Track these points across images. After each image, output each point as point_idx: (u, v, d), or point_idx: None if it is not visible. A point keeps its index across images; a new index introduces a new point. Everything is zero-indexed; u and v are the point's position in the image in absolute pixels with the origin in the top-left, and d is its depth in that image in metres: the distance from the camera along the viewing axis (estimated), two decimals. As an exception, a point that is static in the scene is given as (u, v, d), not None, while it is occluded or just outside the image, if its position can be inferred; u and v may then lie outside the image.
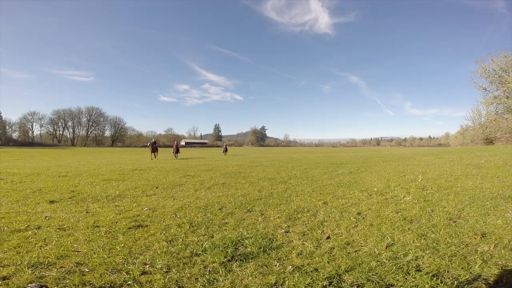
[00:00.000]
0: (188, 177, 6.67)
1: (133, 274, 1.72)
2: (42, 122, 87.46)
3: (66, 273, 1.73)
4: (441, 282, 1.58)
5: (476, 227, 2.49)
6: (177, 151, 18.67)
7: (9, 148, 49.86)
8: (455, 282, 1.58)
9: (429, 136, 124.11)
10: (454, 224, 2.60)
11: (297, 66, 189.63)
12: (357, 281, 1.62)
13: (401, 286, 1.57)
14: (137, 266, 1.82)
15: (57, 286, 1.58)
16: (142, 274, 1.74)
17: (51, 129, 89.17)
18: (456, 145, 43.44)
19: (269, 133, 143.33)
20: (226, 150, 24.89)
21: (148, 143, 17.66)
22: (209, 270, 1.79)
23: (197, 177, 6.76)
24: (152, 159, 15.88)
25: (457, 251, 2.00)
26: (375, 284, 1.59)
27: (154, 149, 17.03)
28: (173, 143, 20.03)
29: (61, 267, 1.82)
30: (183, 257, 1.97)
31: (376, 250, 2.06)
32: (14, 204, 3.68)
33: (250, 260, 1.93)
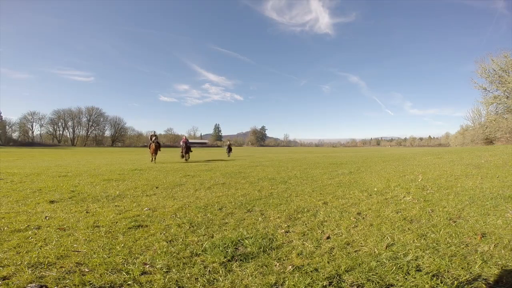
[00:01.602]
0: (188, 177, 6.67)
1: (133, 274, 1.72)
2: (42, 122, 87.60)
3: (66, 273, 1.73)
4: (441, 282, 1.58)
5: (476, 227, 2.49)
6: (187, 150, 14.03)
7: (9, 148, 49.88)
8: (455, 282, 1.58)
9: (429, 136, 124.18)
10: (454, 224, 2.60)
11: (297, 66, 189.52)
12: (357, 281, 1.62)
13: (401, 286, 1.57)
14: (137, 266, 1.82)
15: (57, 286, 1.58)
16: (142, 274, 1.74)
17: (51, 129, 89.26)
18: (456, 145, 43.45)
19: (269, 133, 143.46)
20: (230, 150, 20.62)
21: (150, 136, 12.83)
22: (209, 270, 1.79)
23: (197, 177, 6.76)
24: (152, 161, 12.41)
25: (457, 251, 2.00)
26: (375, 284, 1.59)
27: (156, 148, 12.60)
28: (181, 139, 14.61)
29: (61, 267, 1.82)
30: (183, 257, 1.97)
31: (376, 250, 2.06)
32: (14, 204, 3.68)
33: (250, 260, 1.93)
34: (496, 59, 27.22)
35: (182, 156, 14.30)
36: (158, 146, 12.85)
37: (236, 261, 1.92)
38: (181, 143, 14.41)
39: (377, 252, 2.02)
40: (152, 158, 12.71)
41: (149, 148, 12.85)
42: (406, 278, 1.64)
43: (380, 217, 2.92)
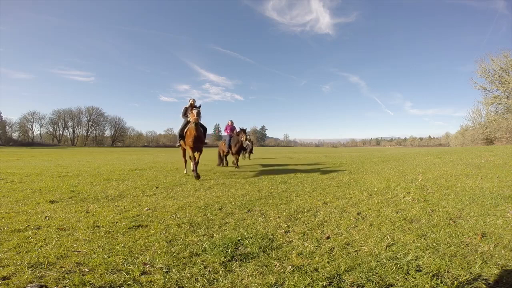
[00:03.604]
0: (188, 177, 6.66)
1: (133, 274, 1.72)
2: (42, 122, 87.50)
3: (66, 273, 1.73)
4: (441, 282, 1.58)
5: (476, 227, 2.49)
6: (239, 150, 8.26)
7: (9, 148, 49.86)
8: (455, 282, 1.58)
9: (429, 136, 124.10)
10: (454, 224, 2.60)
11: (297, 66, 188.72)
12: (357, 281, 1.62)
13: (401, 286, 1.57)
14: (137, 266, 1.82)
15: (57, 286, 1.58)
16: (142, 274, 1.74)
17: (51, 129, 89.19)
18: (456, 145, 43.45)
19: (269, 133, 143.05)
20: (251, 151, 14.30)
21: (185, 109, 6.64)
22: (209, 270, 1.79)
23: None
24: (193, 171, 6.18)
25: (457, 251, 2.00)
26: (375, 284, 1.59)
27: (199, 138, 6.15)
28: (226, 129, 8.87)
29: (61, 267, 1.82)
30: (183, 257, 1.97)
31: (376, 250, 2.06)
32: (14, 204, 3.68)
33: (250, 260, 1.93)
34: (496, 59, 27.26)
35: (222, 161, 8.40)
36: (201, 137, 6.22)
37: (236, 261, 1.92)
38: (228, 136, 8.17)
39: (377, 252, 2.02)
40: (186, 166, 7.11)
41: (184, 139, 6.34)
42: (406, 278, 1.64)
43: (380, 217, 2.92)
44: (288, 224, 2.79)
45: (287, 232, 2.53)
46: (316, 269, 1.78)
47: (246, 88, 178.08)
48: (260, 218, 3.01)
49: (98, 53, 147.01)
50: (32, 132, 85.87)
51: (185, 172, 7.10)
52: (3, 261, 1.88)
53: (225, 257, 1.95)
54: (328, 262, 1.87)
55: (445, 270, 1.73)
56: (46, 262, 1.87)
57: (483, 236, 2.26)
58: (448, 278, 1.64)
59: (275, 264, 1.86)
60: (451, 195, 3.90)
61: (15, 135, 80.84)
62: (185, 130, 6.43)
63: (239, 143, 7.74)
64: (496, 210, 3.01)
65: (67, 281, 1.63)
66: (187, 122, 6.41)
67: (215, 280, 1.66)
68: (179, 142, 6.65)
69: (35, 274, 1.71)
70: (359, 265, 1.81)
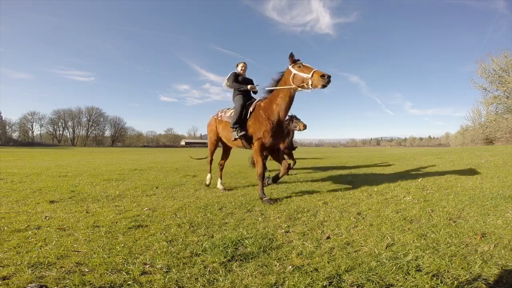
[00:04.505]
0: (188, 177, 6.66)
1: (133, 274, 1.72)
2: (42, 122, 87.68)
3: (66, 273, 1.73)
4: (441, 282, 1.58)
5: (476, 227, 2.49)
6: (290, 150, 6.39)
7: (9, 148, 49.84)
8: (455, 282, 1.58)
9: (429, 136, 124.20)
10: (454, 224, 2.60)
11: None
12: (357, 281, 1.62)
13: (401, 286, 1.57)
14: (137, 266, 1.82)
15: (57, 286, 1.58)
16: (142, 274, 1.74)
17: (51, 129, 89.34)
18: (456, 145, 43.43)
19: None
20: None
21: (237, 78, 3.98)
22: (209, 270, 1.79)
23: (197, 177, 6.75)
24: (209, 182, 5.00)
25: (457, 251, 2.00)
26: (375, 284, 1.59)
27: (278, 134, 3.56)
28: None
29: (61, 267, 1.82)
30: (183, 257, 1.97)
31: (376, 250, 2.06)
32: (14, 204, 3.68)
33: (250, 260, 1.93)
34: (496, 59, 27.26)
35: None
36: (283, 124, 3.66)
37: (236, 261, 1.92)
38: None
39: (377, 252, 2.02)
40: (211, 173, 4.99)
41: (245, 127, 3.82)
42: (406, 278, 1.64)
43: (380, 217, 2.92)
44: (288, 224, 2.79)
45: (287, 232, 2.53)
46: (316, 269, 1.77)
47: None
48: (260, 218, 3.01)
49: (98, 53, 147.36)
50: (32, 132, 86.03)
51: (207, 183, 4.99)
52: (3, 261, 1.88)
53: (225, 257, 1.95)
54: (328, 262, 1.86)
55: (445, 270, 1.73)
56: (46, 262, 1.87)
57: (483, 236, 2.26)
58: (448, 278, 1.64)
59: (275, 264, 1.86)
60: (451, 195, 3.90)
61: (15, 135, 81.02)
62: (251, 109, 3.72)
63: (289, 138, 5.08)
64: (496, 210, 3.01)
65: (67, 281, 1.63)
66: (246, 98, 3.74)
67: (215, 280, 1.66)
68: (238, 133, 3.83)
69: (35, 274, 1.70)
70: (359, 265, 1.81)
